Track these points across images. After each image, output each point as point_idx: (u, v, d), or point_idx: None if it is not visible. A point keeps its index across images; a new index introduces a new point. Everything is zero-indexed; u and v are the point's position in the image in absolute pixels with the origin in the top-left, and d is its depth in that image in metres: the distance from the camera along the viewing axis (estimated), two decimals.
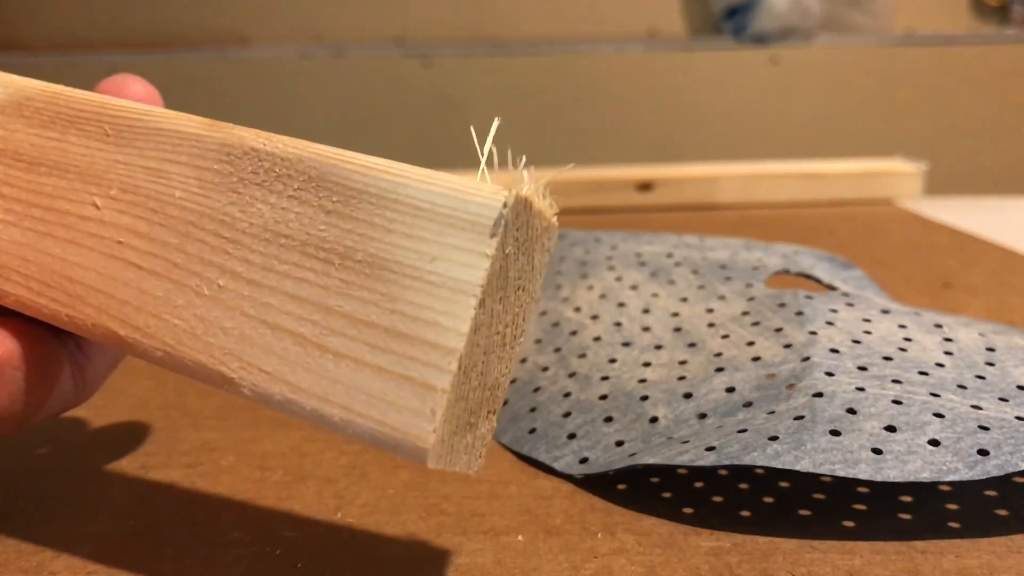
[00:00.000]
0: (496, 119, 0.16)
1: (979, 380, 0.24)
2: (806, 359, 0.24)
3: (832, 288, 0.33)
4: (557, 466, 0.24)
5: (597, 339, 0.30)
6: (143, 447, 0.26)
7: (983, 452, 0.20)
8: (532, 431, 0.26)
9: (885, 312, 0.28)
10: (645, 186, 0.63)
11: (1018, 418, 0.22)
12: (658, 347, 0.28)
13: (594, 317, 0.31)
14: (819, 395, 0.22)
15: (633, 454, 0.23)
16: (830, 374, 0.23)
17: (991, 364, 0.25)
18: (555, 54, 1.22)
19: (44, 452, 0.26)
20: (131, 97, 0.21)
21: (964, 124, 1.23)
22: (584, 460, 0.24)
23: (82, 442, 0.27)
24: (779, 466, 0.20)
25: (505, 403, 0.28)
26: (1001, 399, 0.23)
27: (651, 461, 0.22)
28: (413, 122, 1.19)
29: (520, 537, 0.21)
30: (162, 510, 0.23)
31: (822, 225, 0.56)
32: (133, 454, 0.26)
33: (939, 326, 0.27)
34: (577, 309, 0.32)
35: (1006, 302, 0.39)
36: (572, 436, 0.25)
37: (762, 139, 1.24)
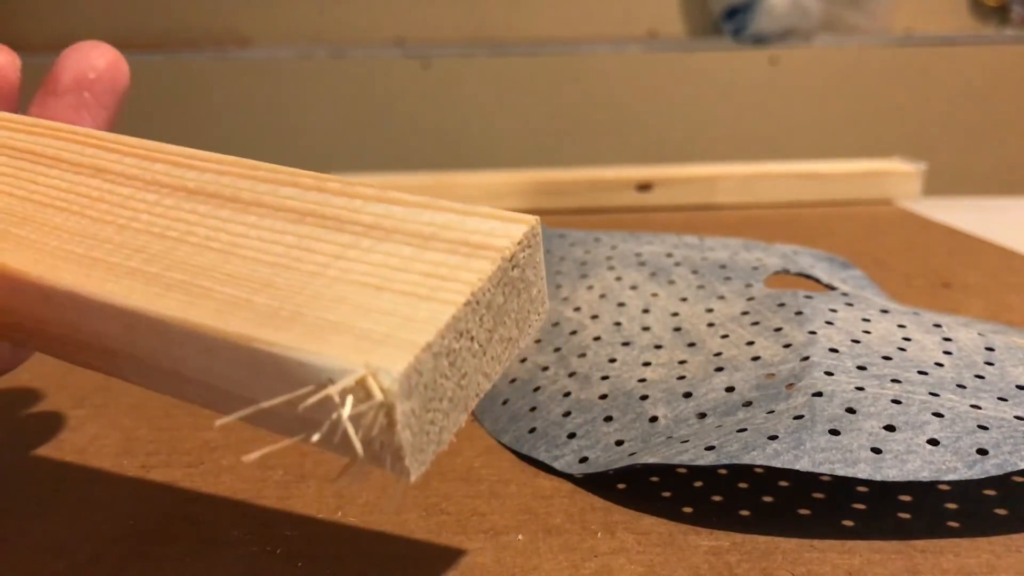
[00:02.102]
0: None
1: (978, 380, 0.24)
2: (805, 359, 0.24)
3: (832, 288, 0.33)
4: (557, 465, 0.24)
5: (597, 339, 0.30)
6: (143, 447, 0.26)
7: (982, 451, 0.20)
8: (532, 430, 0.26)
9: (884, 312, 0.28)
10: (645, 186, 0.63)
11: (1017, 417, 0.22)
12: (658, 347, 0.28)
13: (594, 317, 0.31)
14: (818, 394, 0.22)
15: (633, 453, 0.23)
16: (829, 373, 0.23)
17: (990, 364, 0.25)
18: (555, 55, 1.22)
19: (44, 452, 0.26)
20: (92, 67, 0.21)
21: (963, 124, 1.23)
22: (584, 459, 0.24)
23: (82, 442, 0.27)
24: (778, 465, 0.20)
25: (505, 402, 0.28)
26: (1000, 399, 0.23)
27: (651, 460, 0.22)
28: (413, 123, 1.19)
29: (520, 536, 0.21)
30: (162, 510, 0.23)
31: (822, 225, 0.56)
32: (133, 454, 0.26)
33: (938, 326, 0.27)
34: (577, 309, 0.32)
35: (1005, 302, 0.39)
36: (572, 435, 0.25)
37: (761, 139, 1.24)
